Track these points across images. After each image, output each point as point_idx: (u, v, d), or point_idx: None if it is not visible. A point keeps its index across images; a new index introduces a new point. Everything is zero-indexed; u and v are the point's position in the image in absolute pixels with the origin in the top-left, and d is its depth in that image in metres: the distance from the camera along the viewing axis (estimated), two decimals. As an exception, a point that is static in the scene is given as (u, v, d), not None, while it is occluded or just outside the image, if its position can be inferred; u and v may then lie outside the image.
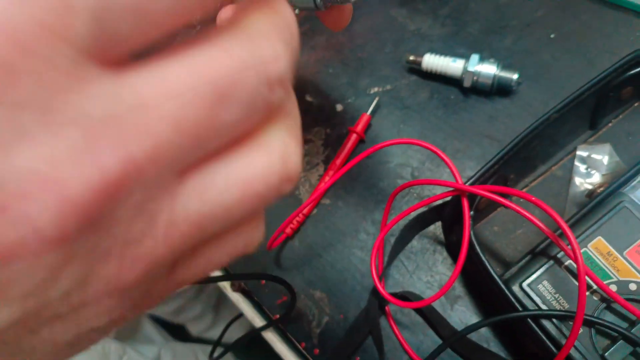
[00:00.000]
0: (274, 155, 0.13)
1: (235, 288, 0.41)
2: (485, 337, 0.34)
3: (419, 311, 0.36)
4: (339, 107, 0.44)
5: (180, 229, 0.12)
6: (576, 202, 0.36)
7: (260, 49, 0.12)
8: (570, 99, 0.34)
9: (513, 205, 0.30)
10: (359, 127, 0.42)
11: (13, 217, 0.09)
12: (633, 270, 0.30)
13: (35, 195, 0.09)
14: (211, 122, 0.11)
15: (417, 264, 0.38)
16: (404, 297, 0.36)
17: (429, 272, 0.37)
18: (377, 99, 0.42)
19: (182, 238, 0.12)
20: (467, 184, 0.33)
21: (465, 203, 0.32)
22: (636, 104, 0.38)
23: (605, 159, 0.36)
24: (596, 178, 0.36)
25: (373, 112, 0.42)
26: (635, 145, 0.37)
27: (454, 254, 0.37)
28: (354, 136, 0.42)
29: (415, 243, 0.38)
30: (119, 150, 0.10)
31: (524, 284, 0.31)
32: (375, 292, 0.36)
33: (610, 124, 0.38)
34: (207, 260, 0.14)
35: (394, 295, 0.36)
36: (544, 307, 0.30)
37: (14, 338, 0.11)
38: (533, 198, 0.29)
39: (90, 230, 0.10)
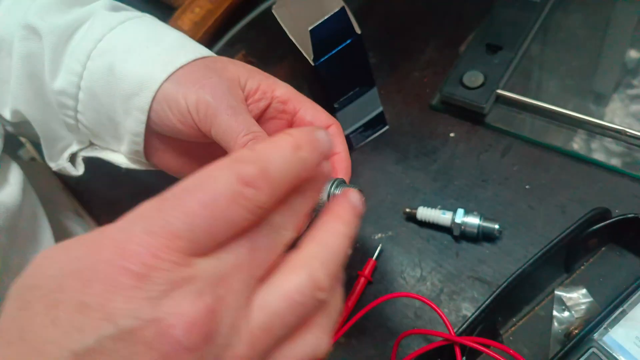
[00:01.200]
0: (304, 276, 0.20)
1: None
2: None
3: None
4: (349, 252, 0.51)
5: (255, 334, 0.19)
6: (558, 340, 0.41)
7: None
8: (543, 251, 0.41)
9: (494, 355, 0.35)
10: (367, 271, 0.48)
11: (167, 335, 0.17)
12: (606, 411, 0.34)
13: (175, 325, 0.17)
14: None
15: (424, 401, 0.42)
16: None
17: (435, 407, 0.42)
18: (380, 245, 0.49)
19: (259, 340, 0.19)
20: (458, 332, 0.39)
21: (457, 351, 0.37)
22: (603, 249, 0.44)
23: (580, 301, 0.42)
24: (572, 318, 0.41)
25: (377, 256, 0.49)
26: (607, 287, 0.42)
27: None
28: (362, 279, 0.48)
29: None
30: (201, 300, 0.18)
31: None
32: None
33: (583, 267, 0.44)
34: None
35: None
36: None
37: None
38: (511, 351, 0.35)
39: (206, 342, 0.17)
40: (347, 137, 0.54)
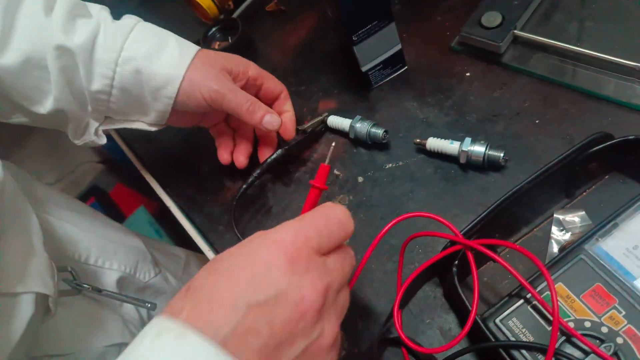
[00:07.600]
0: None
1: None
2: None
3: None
4: (360, 179, 0.54)
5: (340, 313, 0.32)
6: (553, 258, 0.42)
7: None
8: (540, 172, 0.42)
9: (491, 253, 0.37)
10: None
11: (304, 298, 0.28)
12: (588, 310, 0.36)
13: (308, 293, 0.28)
14: None
15: (420, 308, 0.45)
16: (416, 342, 0.42)
17: (429, 314, 0.44)
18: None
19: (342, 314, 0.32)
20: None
21: (470, 255, 0.39)
22: (607, 177, 0.45)
23: (577, 221, 0.43)
24: (568, 237, 0.43)
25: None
26: (606, 211, 0.43)
27: (449, 300, 0.44)
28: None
29: (420, 292, 0.46)
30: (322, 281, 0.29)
31: (497, 320, 0.37)
32: (383, 334, 0.44)
33: (585, 193, 0.45)
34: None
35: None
36: (512, 339, 0.36)
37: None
38: (515, 245, 0.37)
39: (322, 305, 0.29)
40: (366, 75, 0.57)
